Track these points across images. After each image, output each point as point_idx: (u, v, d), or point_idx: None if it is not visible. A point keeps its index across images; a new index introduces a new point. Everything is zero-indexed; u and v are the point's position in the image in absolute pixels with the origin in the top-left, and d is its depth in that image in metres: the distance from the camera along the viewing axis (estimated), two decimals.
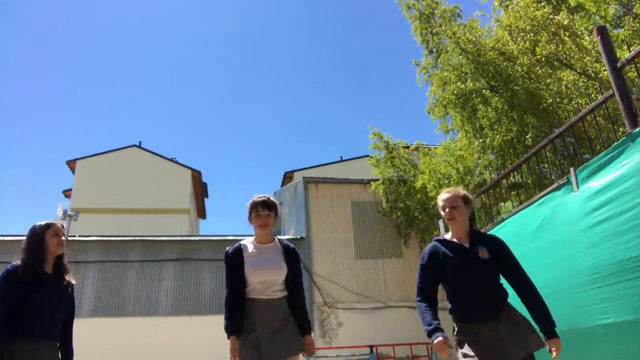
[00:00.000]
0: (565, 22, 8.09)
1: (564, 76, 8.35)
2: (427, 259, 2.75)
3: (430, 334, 2.49)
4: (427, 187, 10.83)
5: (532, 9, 8.52)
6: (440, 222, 6.46)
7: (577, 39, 8.20)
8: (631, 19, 8.48)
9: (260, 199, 3.06)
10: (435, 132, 10.98)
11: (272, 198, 3.13)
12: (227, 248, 3.07)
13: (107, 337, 10.51)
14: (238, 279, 2.90)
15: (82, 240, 11.64)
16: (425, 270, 2.73)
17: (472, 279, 2.62)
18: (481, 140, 9.44)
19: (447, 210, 2.75)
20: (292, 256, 3.12)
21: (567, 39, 8.16)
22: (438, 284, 2.74)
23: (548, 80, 8.43)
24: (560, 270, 3.72)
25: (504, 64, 9.04)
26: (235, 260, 2.95)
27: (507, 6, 9.48)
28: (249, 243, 3.06)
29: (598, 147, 6.10)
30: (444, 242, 2.78)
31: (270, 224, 3.06)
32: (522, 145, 8.48)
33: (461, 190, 2.85)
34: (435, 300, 2.67)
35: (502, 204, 7.43)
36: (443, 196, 2.81)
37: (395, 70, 52.31)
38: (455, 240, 2.76)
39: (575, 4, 8.48)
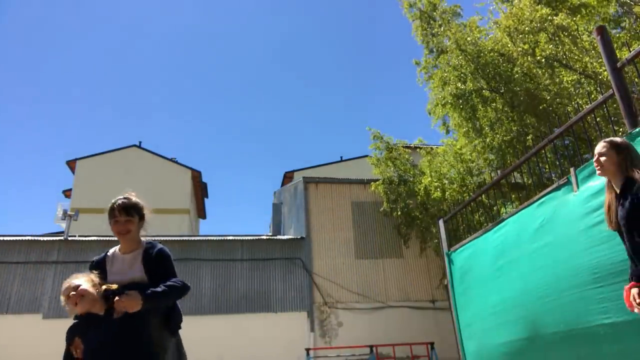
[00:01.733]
0: (564, 24, 8.09)
1: (563, 77, 8.36)
2: None
3: None
4: (430, 187, 10.85)
5: (530, 10, 8.52)
6: (441, 222, 6.46)
7: (577, 40, 8.20)
8: (632, 20, 8.49)
9: (118, 201, 2.71)
10: (437, 131, 11.00)
11: (133, 199, 2.78)
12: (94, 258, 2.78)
13: None
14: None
15: (82, 240, 11.64)
16: None
17: None
18: (481, 140, 9.45)
19: None
20: (153, 261, 2.71)
21: (566, 40, 8.17)
22: None
23: (547, 81, 8.44)
24: (560, 270, 3.73)
25: (504, 65, 9.05)
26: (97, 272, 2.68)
27: (506, 8, 9.50)
28: (113, 251, 2.79)
29: None
30: None
31: (131, 229, 2.69)
32: (522, 146, 8.48)
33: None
34: None
35: (500, 201, 7.43)
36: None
37: (396, 70, 52.32)
38: None
39: (578, 3, 8.49)
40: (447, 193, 10.38)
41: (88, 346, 2.40)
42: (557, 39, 8.29)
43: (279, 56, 56.56)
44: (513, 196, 7.81)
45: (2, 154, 40.27)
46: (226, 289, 11.48)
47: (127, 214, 2.70)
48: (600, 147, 2.65)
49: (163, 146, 62.49)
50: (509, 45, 8.94)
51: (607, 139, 2.66)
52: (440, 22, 10.21)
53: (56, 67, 46.42)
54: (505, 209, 6.94)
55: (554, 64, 8.41)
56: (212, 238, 12.47)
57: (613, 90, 3.67)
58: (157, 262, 2.69)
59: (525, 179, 7.91)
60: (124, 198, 2.74)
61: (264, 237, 12.66)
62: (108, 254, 2.81)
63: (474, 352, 5.18)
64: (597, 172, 2.66)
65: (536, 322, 4.01)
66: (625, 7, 8.70)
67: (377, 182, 12.26)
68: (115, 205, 2.71)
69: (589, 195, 3.54)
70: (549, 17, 8.31)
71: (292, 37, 57.20)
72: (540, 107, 8.56)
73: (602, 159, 2.59)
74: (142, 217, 2.78)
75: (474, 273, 5.27)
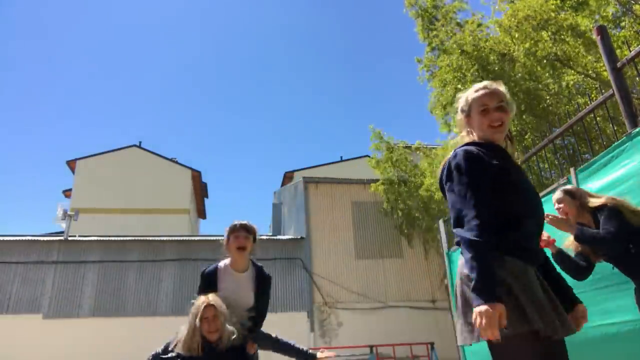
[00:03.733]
0: (568, 22, 8.08)
1: (565, 76, 8.35)
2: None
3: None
4: (431, 188, 10.84)
5: (537, 3, 8.47)
6: (441, 222, 6.45)
7: (582, 37, 8.18)
8: (631, 20, 8.48)
9: (238, 223, 3.13)
10: (437, 132, 10.99)
11: (251, 223, 3.18)
12: (204, 268, 3.16)
13: (107, 337, 10.50)
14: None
15: (82, 240, 11.64)
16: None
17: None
18: None
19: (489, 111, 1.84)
20: (263, 284, 3.20)
21: (569, 38, 8.15)
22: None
23: (548, 81, 8.43)
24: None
25: (504, 64, 9.03)
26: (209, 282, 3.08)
27: (508, 8, 9.48)
28: (225, 267, 3.13)
29: (598, 147, 6.10)
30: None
31: (248, 246, 3.09)
32: (522, 146, 8.48)
33: (503, 89, 1.91)
34: None
35: None
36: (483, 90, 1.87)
37: (396, 70, 52.32)
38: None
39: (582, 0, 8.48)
40: None
41: None
42: (559, 37, 8.26)
43: (279, 55, 56.59)
44: None
45: (1, 153, 40.30)
46: None
47: (248, 232, 3.09)
48: (556, 196, 2.97)
49: (163, 146, 62.47)
50: (510, 45, 8.93)
51: (561, 189, 2.99)
52: (442, 22, 10.20)
53: (56, 66, 46.46)
54: None
55: (555, 64, 8.40)
56: (212, 238, 12.46)
57: (613, 90, 3.67)
58: (266, 286, 3.20)
59: None
60: (246, 222, 3.13)
61: (264, 237, 12.65)
62: (219, 266, 3.12)
63: (474, 352, 5.17)
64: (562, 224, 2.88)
65: None
66: (625, 7, 8.70)
67: (378, 183, 12.26)
68: (237, 224, 3.10)
69: None
70: (553, 14, 8.27)
71: (293, 36, 57.23)
72: (540, 107, 8.55)
73: (561, 205, 2.92)
74: (254, 240, 3.16)
75: None
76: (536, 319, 1.51)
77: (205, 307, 2.80)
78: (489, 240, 1.57)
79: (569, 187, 3.03)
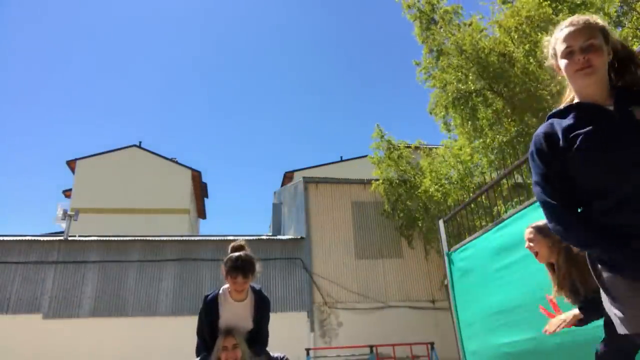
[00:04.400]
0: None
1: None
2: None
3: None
4: (430, 189, 10.83)
5: (534, 7, 8.49)
6: (440, 223, 6.45)
7: None
8: (634, 17, 8.49)
9: (237, 264, 2.99)
10: (437, 132, 11.00)
11: (251, 258, 3.07)
12: (207, 294, 3.22)
13: (107, 337, 10.50)
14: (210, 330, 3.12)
15: (82, 240, 11.64)
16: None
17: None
18: (481, 140, 9.44)
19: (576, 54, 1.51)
20: (263, 308, 3.28)
21: None
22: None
23: (548, 80, 8.43)
24: None
25: (504, 65, 9.04)
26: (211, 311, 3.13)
27: (506, 8, 9.49)
28: (224, 295, 3.19)
29: None
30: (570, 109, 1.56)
31: (246, 288, 3.13)
32: (523, 145, 8.48)
33: (597, 19, 1.56)
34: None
35: (500, 201, 7.41)
36: (566, 30, 1.54)
37: (396, 70, 52.30)
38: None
39: (580, 2, 8.49)
40: (449, 198, 10.37)
41: None
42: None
43: (279, 56, 56.59)
44: (515, 199, 7.81)
45: (1, 153, 40.28)
46: None
47: (246, 277, 3.02)
48: (526, 234, 2.68)
49: (163, 146, 62.46)
50: (510, 45, 8.93)
51: (531, 226, 2.67)
52: (440, 24, 10.19)
53: (55, 66, 46.46)
54: (506, 209, 6.93)
55: None
56: (212, 238, 12.46)
57: None
58: (265, 310, 3.28)
59: (526, 179, 7.91)
60: (245, 260, 3.00)
61: (264, 237, 12.65)
62: (219, 293, 3.15)
63: (474, 352, 5.17)
64: (537, 259, 2.65)
65: (538, 322, 4.01)
66: (625, 6, 8.71)
67: (377, 182, 12.26)
68: (234, 264, 2.98)
69: None
70: (550, 17, 8.30)
71: (293, 36, 57.22)
72: (541, 107, 8.55)
73: (531, 245, 2.62)
74: (254, 272, 3.09)
75: (474, 273, 5.27)
76: None
77: (226, 337, 2.94)
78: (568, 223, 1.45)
79: (539, 223, 2.59)
